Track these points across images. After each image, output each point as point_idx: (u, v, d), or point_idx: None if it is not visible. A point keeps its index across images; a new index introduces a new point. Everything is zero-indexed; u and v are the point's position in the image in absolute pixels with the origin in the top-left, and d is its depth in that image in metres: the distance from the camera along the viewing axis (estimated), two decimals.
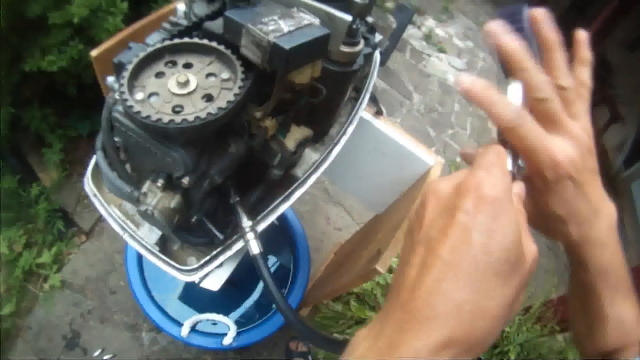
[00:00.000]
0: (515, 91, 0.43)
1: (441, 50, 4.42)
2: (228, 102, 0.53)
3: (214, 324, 1.53)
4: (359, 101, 0.91)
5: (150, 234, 0.81)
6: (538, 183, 0.44)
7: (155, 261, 0.77)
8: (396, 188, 1.21)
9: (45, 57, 1.68)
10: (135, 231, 0.81)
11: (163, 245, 0.85)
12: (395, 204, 1.24)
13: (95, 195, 0.86)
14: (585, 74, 0.49)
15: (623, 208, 4.41)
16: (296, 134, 0.73)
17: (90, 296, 2.04)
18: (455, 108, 3.91)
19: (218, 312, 1.48)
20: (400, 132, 1.11)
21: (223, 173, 0.68)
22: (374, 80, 0.96)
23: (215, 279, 0.81)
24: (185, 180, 0.60)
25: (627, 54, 5.13)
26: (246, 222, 0.71)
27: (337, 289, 1.15)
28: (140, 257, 1.57)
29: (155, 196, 0.64)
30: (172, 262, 0.76)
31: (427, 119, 3.66)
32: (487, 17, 5.70)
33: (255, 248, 0.69)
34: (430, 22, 4.70)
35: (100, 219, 2.20)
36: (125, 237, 0.82)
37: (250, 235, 0.70)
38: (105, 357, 1.92)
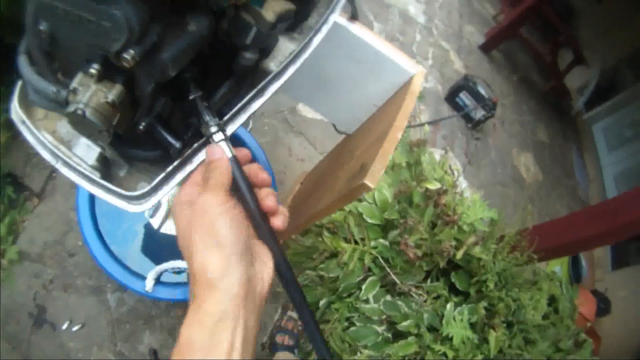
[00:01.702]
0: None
1: None
2: None
3: (179, 272, 1.39)
4: None
5: (87, 153, 0.66)
6: None
7: (96, 190, 0.60)
8: (371, 101, 1.08)
9: None
10: (70, 157, 0.66)
11: (106, 172, 0.68)
12: (371, 119, 1.10)
13: (23, 122, 0.69)
14: None
15: (584, 148, 4.50)
16: (275, 5, 0.58)
17: (49, 263, 1.86)
18: (416, 38, 3.79)
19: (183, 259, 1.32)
20: (378, 38, 0.98)
21: (179, 60, 0.52)
22: None
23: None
24: (129, 55, 0.44)
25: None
26: (213, 121, 0.55)
27: (312, 215, 1.02)
28: (93, 209, 1.39)
29: (88, 90, 0.49)
30: (115, 189, 0.59)
31: None
32: None
33: (227, 151, 0.54)
34: None
35: (50, 176, 2.00)
36: (59, 165, 0.66)
37: (218, 137, 0.54)
38: (74, 329, 1.77)
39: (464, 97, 3.35)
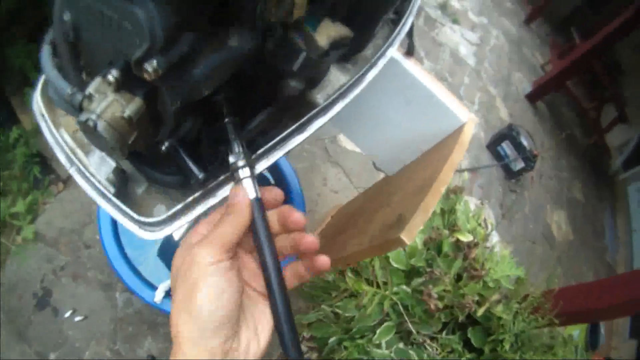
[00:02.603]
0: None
1: (455, 22, 4.18)
2: None
3: None
4: (402, 21, 0.66)
5: (100, 166, 0.58)
6: None
7: (107, 207, 0.53)
8: (417, 145, 0.99)
9: None
10: (86, 165, 0.58)
11: (122, 186, 0.60)
12: (414, 164, 1.01)
13: (42, 115, 0.62)
14: None
15: (617, 209, 4.33)
16: (331, 30, 0.49)
17: (63, 250, 1.82)
18: (465, 81, 3.70)
19: None
20: (432, 78, 0.89)
21: (213, 78, 0.44)
22: (418, 3, 0.72)
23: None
24: (151, 66, 0.36)
25: (638, 57, 4.99)
26: (240, 153, 0.46)
27: (340, 258, 0.92)
28: None
29: (104, 99, 0.41)
30: (127, 211, 0.51)
31: None
32: None
33: (251, 192, 0.44)
34: None
35: None
36: (72, 171, 0.58)
37: (244, 173, 0.44)
38: (76, 319, 1.71)
39: (506, 147, 3.23)
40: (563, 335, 1.88)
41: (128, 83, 0.42)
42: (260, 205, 0.44)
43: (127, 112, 0.41)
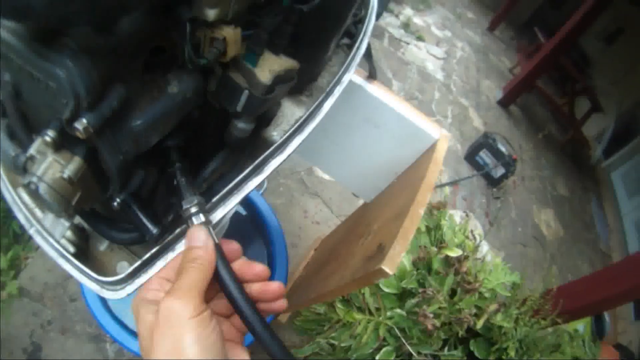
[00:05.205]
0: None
1: (420, 39, 4.24)
2: None
3: None
4: (356, 45, 0.63)
5: (54, 225, 0.54)
6: None
7: (67, 267, 0.49)
8: (391, 168, 0.95)
9: None
10: (45, 225, 0.55)
11: (83, 244, 0.56)
12: (390, 188, 0.98)
13: None
14: None
15: (603, 198, 4.36)
16: (273, 64, 0.46)
17: (49, 305, 1.75)
18: (435, 96, 3.71)
19: None
20: (398, 99, 0.86)
21: (156, 128, 0.41)
22: (372, 24, 0.70)
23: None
24: (80, 124, 0.34)
25: (605, 47, 5.11)
26: (192, 200, 0.43)
27: (325, 293, 0.88)
28: None
29: (45, 160, 0.38)
30: (87, 271, 0.47)
31: None
32: (464, 8, 5.60)
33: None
34: (408, 11, 4.53)
35: None
36: (32, 232, 0.55)
37: (197, 219, 0.42)
38: None
39: (484, 155, 3.23)
40: (568, 331, 1.87)
41: (67, 142, 0.39)
42: (219, 249, 0.42)
43: (67, 173, 0.39)
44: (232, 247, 0.44)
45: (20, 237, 1.87)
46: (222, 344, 0.39)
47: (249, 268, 0.43)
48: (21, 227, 0.55)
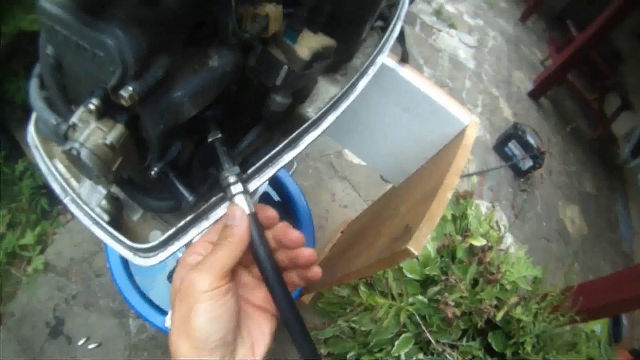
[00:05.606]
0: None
1: (452, 26, 4.17)
2: None
3: None
4: (390, 27, 0.63)
5: (90, 194, 0.56)
6: None
7: (102, 235, 0.51)
8: (421, 152, 0.95)
9: (27, 15, 1.43)
10: (79, 194, 0.57)
11: (117, 214, 0.58)
12: (419, 172, 0.97)
13: (36, 147, 0.61)
14: None
15: (629, 198, 4.25)
16: (312, 41, 0.47)
17: (74, 279, 1.80)
18: (466, 84, 3.66)
19: None
20: (429, 83, 0.86)
21: (196, 100, 0.42)
22: (406, 8, 0.70)
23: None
24: (126, 92, 0.35)
25: (637, 44, 4.97)
26: (231, 170, 0.44)
27: (350, 273, 0.89)
28: None
29: (87, 127, 0.40)
30: (120, 238, 0.49)
31: None
32: None
33: (245, 207, 0.43)
34: None
35: None
36: (67, 201, 0.57)
37: (235, 189, 0.43)
38: (90, 346, 1.68)
39: (513, 147, 3.18)
40: (585, 331, 1.85)
41: (110, 110, 0.41)
42: (256, 220, 0.43)
43: (109, 139, 0.40)
44: (269, 214, 0.45)
45: (49, 213, 1.92)
46: (233, 319, 0.42)
47: (284, 234, 0.44)
48: (56, 197, 0.56)
